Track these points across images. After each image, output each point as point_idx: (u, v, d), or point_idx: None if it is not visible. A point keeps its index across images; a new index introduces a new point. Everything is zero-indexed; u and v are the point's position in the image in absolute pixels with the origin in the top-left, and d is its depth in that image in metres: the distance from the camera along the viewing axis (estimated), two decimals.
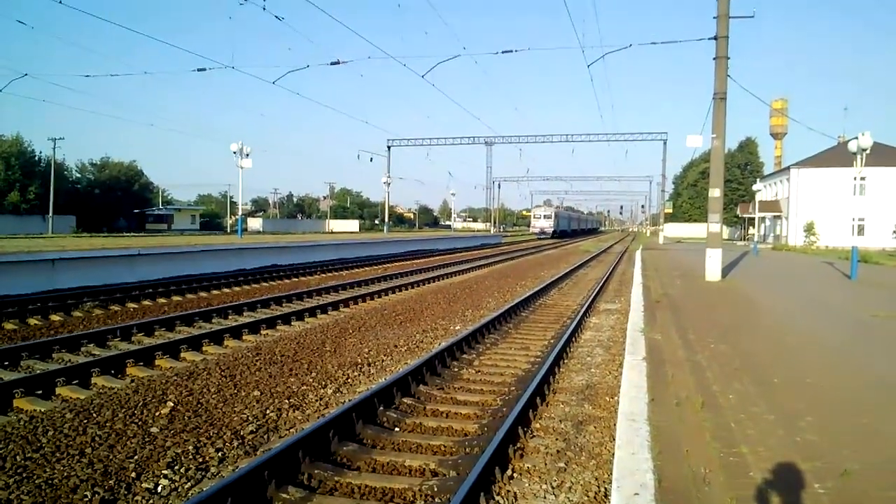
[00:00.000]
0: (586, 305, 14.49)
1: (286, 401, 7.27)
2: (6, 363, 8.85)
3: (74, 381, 7.96)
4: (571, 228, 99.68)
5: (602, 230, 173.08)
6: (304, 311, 13.88)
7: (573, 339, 10.93)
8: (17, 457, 5.41)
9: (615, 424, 5.98)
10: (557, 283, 20.60)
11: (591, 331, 12.09)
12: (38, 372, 8.22)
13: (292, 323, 12.94)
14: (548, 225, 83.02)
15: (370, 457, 5.59)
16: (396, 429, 6.43)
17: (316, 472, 5.21)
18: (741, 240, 70.45)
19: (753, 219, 58.60)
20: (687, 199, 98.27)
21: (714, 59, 18.61)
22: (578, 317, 12.66)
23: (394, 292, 18.44)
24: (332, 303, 15.23)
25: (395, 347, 10.33)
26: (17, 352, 9.16)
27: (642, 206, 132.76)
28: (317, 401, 7.37)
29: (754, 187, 48.52)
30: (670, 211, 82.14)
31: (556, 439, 6.01)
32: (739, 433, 5.08)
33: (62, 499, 4.66)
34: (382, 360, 9.44)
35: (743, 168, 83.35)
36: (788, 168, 61.42)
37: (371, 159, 67.36)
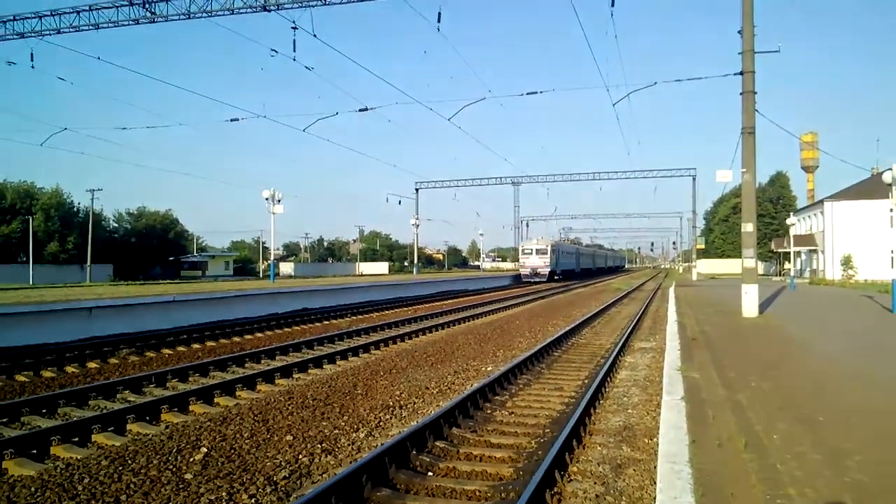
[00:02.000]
0: (620, 344, 14.24)
1: (318, 445, 7.21)
2: (44, 411, 8.98)
3: (110, 428, 8.02)
4: (582, 267, 79.61)
5: (627, 268, 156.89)
6: (336, 354, 13.88)
7: (608, 378, 10.72)
8: None
9: (655, 467, 5.81)
10: (590, 322, 20.33)
11: (626, 370, 11.85)
12: (75, 419, 8.31)
13: (324, 366, 12.94)
14: (542, 263, 60.34)
15: (403, 502, 5.49)
16: (430, 473, 6.32)
17: None
18: (777, 275, 69.06)
19: (788, 253, 57.52)
20: (719, 234, 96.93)
21: (741, 94, 18.55)
22: (613, 356, 12.43)
23: (424, 333, 18.38)
24: (363, 345, 15.22)
25: (426, 389, 10.23)
26: (55, 399, 9.29)
27: (673, 243, 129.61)
28: (349, 445, 7.30)
29: (788, 221, 47.81)
30: (702, 247, 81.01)
31: (595, 483, 5.84)
32: (786, 474, 4.89)
33: None
34: (414, 403, 9.35)
35: (775, 202, 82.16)
36: (822, 201, 60.35)
37: (399, 202, 68.27)
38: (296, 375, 11.91)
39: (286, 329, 19.55)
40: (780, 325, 16.52)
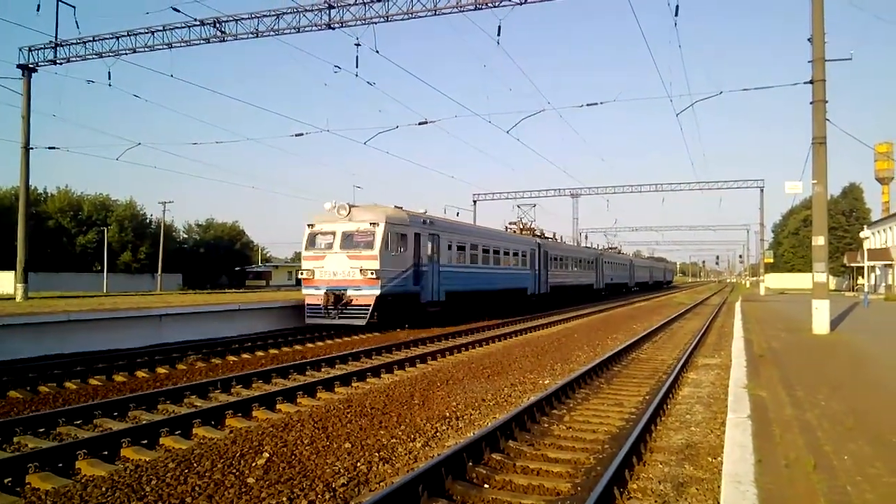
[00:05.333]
0: (683, 360, 13.87)
1: (376, 454, 7.28)
2: (115, 414, 9.37)
3: (177, 432, 8.30)
4: (558, 283, 40.79)
5: (674, 284, 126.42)
6: (394, 363, 14.02)
7: (670, 395, 10.45)
8: None
9: (719, 487, 5.63)
10: (651, 337, 19.89)
11: (689, 387, 11.53)
12: (144, 422, 8.65)
13: (382, 376, 13.07)
14: (358, 276, 20.09)
15: None
16: (486, 485, 6.29)
17: None
18: (849, 290, 65.99)
19: (862, 268, 54.92)
20: (788, 247, 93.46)
21: (811, 103, 17.92)
22: (675, 372, 12.12)
23: (480, 345, 18.35)
24: (420, 356, 15.31)
25: (482, 401, 10.20)
26: (126, 403, 9.68)
27: (740, 256, 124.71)
28: (406, 454, 7.34)
29: (862, 234, 45.71)
30: (771, 260, 78.05)
31: (656, 501, 5.70)
32: (857, 497, 4.67)
33: None
34: (470, 414, 9.33)
35: (848, 215, 78.72)
36: None
37: (458, 214, 68.06)
38: (354, 384, 12.08)
39: (346, 338, 19.84)
40: (852, 342, 15.78)
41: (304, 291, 21.00)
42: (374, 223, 20.32)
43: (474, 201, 71.79)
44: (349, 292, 19.97)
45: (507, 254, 31.36)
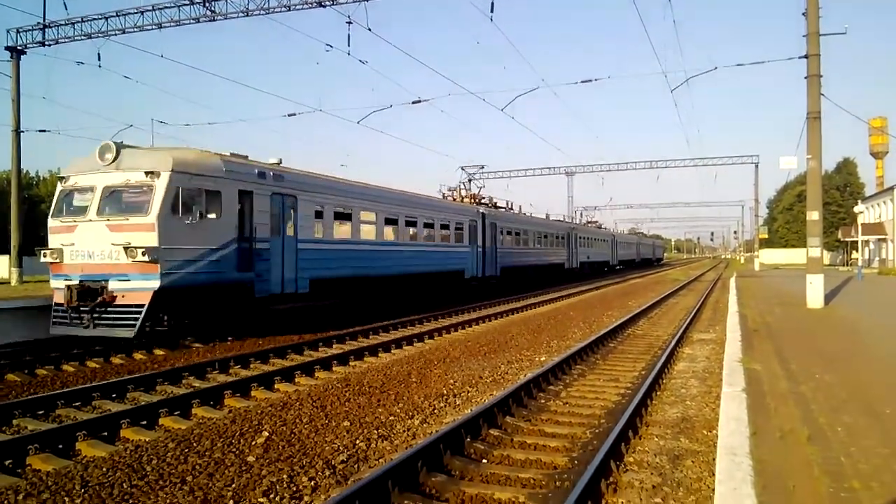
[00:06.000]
0: (678, 335, 13.96)
1: (375, 431, 7.34)
2: (114, 395, 9.41)
3: (176, 412, 8.35)
4: (536, 261, 37.89)
5: (666, 262, 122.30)
6: (391, 342, 14.09)
7: (665, 370, 10.54)
8: (124, 484, 5.68)
9: (714, 459, 5.70)
10: (646, 313, 20.00)
11: (684, 361, 11.62)
12: (143, 403, 8.69)
13: (379, 354, 13.15)
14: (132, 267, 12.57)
15: (458, 488, 5.54)
16: (484, 460, 6.36)
17: (405, 502, 5.21)
18: (843, 265, 66.35)
19: (856, 242, 55.17)
20: (783, 223, 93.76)
21: (806, 77, 17.85)
22: (670, 347, 12.21)
23: (477, 323, 18.43)
24: (417, 334, 15.39)
25: (480, 379, 10.27)
26: (124, 384, 9.71)
27: (734, 232, 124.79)
28: (404, 431, 7.40)
29: (856, 209, 45.90)
30: (765, 236, 78.28)
31: (652, 473, 5.77)
32: (850, 467, 4.73)
33: None
34: (468, 392, 9.40)
35: (842, 190, 78.91)
36: (892, 188, 57.59)
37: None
38: (352, 363, 12.14)
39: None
40: (846, 316, 15.90)
41: (52, 283, 13.55)
42: (152, 173, 12.89)
43: (469, 179, 71.61)
44: (111, 284, 12.70)
45: (429, 226, 23.98)
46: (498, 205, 34.45)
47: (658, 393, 9.04)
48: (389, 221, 21.24)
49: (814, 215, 18.07)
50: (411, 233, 22.88)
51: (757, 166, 63.17)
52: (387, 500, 5.18)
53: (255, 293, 14.84)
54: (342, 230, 18.87)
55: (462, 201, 31.59)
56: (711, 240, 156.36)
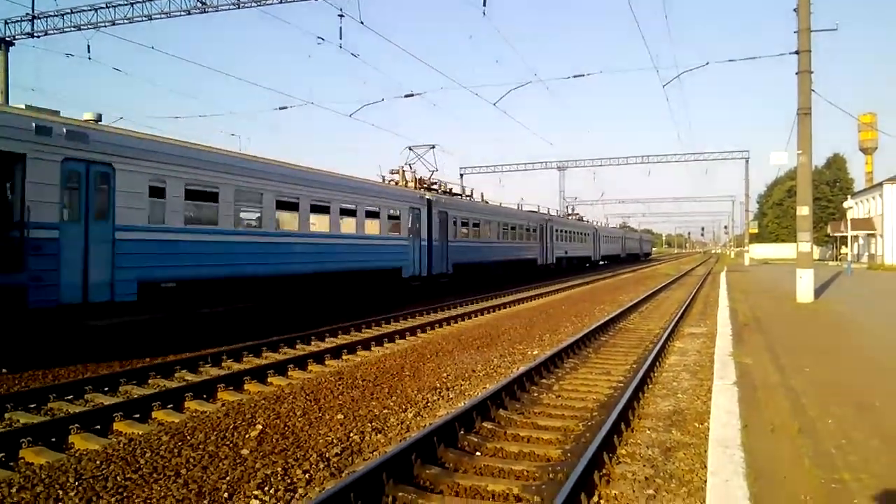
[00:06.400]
0: (669, 329, 14.04)
1: (369, 424, 7.36)
2: (106, 389, 9.37)
3: (169, 406, 8.35)
4: (501, 257, 33.28)
5: (656, 256, 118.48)
6: (383, 336, 14.10)
7: (657, 363, 10.60)
8: (118, 477, 5.68)
9: (706, 451, 5.76)
10: (637, 307, 20.09)
11: (675, 355, 11.70)
12: (136, 397, 8.67)
13: (372, 348, 13.16)
14: None
15: (452, 480, 5.57)
16: (478, 453, 6.39)
17: (400, 494, 5.23)
18: (833, 259, 66.84)
19: (845, 237, 55.57)
20: (773, 218, 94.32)
21: (797, 73, 17.96)
22: (662, 341, 12.27)
23: (470, 318, 18.47)
24: (410, 328, 15.41)
25: (472, 372, 10.30)
26: (116, 378, 9.68)
27: (725, 227, 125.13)
28: (398, 424, 7.43)
29: (845, 205, 46.21)
30: (755, 231, 78.69)
31: (644, 466, 5.81)
32: (840, 459, 4.79)
33: None
34: (461, 385, 9.43)
35: (832, 185, 79.43)
36: (881, 184, 57.93)
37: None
38: (345, 357, 12.15)
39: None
40: (835, 310, 16.04)
41: None
42: None
43: (461, 174, 71.66)
44: None
45: (349, 213, 18.87)
46: (454, 191, 30.17)
47: (650, 386, 9.10)
48: (284, 206, 16.20)
49: (804, 210, 18.21)
50: (316, 220, 17.61)
51: (747, 161, 63.45)
52: (381, 493, 5.20)
53: (29, 303, 10.29)
54: (204, 214, 13.93)
55: (405, 185, 26.41)
56: (702, 235, 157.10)
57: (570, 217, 57.42)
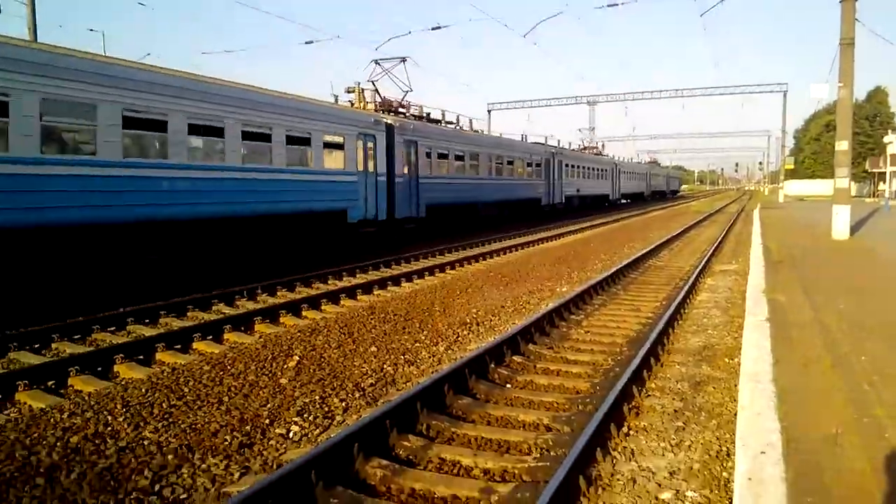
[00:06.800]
0: (700, 266, 13.94)
1: (401, 356, 7.54)
2: (147, 321, 9.69)
3: (209, 337, 8.61)
4: (492, 196, 27.71)
5: (684, 193, 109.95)
6: (413, 273, 14.25)
7: (687, 300, 10.58)
8: (164, 404, 5.94)
9: (736, 385, 5.82)
10: (668, 244, 19.95)
11: (706, 292, 11.65)
12: (177, 328, 8.96)
13: (402, 284, 13.32)
14: None
15: (484, 410, 5.72)
16: (508, 385, 6.52)
17: (433, 422, 5.39)
18: (871, 196, 65.12)
19: (884, 174, 53.91)
20: (809, 154, 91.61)
21: (840, 1, 17.09)
22: (692, 278, 12.21)
23: (498, 255, 18.53)
24: (439, 265, 15.53)
25: (501, 308, 10.41)
26: (156, 310, 9.99)
27: (760, 163, 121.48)
28: (429, 357, 7.59)
29: (885, 139, 44.57)
30: (791, 167, 76.61)
31: (673, 399, 5.89)
32: (873, 395, 4.80)
33: (205, 442, 5.09)
34: (490, 320, 9.55)
35: (872, 120, 76.52)
36: None
37: (471, 122, 66.91)
38: (376, 292, 12.34)
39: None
40: (872, 247, 15.73)
41: None
42: None
43: (489, 111, 70.44)
44: None
45: (261, 138, 14.30)
46: (431, 116, 24.96)
47: (680, 322, 9.12)
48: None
49: (843, 145, 17.65)
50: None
51: (785, 94, 61.22)
52: (416, 421, 5.37)
53: None
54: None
55: (363, 107, 21.61)
56: (736, 171, 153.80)
57: (586, 151, 51.17)
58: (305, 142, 15.75)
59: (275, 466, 4.66)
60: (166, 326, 9.47)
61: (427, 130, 22.43)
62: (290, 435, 5.28)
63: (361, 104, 21.54)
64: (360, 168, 17.89)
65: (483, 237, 22.75)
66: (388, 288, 12.87)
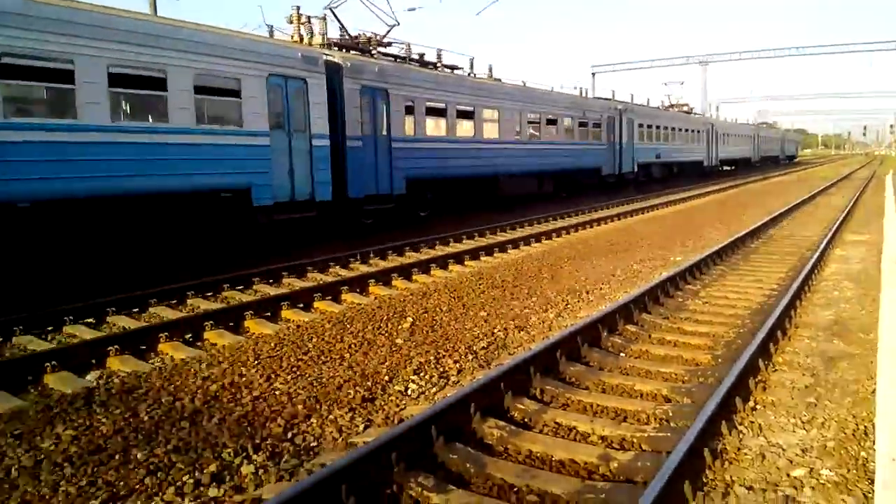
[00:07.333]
0: (829, 236, 13.05)
1: (511, 322, 7.58)
2: (271, 281, 10.25)
3: (328, 297, 9.02)
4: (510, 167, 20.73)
5: (801, 160, 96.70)
6: (519, 239, 14.25)
7: (815, 271, 9.96)
8: (291, 358, 6.29)
9: (872, 362, 5.47)
10: (790, 213, 18.81)
11: (836, 263, 10.91)
12: (298, 288, 9.43)
13: (508, 251, 13.35)
14: None
15: (598, 378, 5.67)
16: (622, 354, 6.41)
17: (547, 387, 5.41)
18: None
19: None
20: None
21: None
22: (821, 248, 11.46)
23: (605, 222, 18.14)
24: (546, 232, 15.43)
25: (612, 276, 10.21)
26: (278, 272, 10.55)
27: (892, 126, 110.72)
28: (540, 323, 7.58)
29: None
30: None
31: (803, 374, 5.60)
32: None
33: (331, 395, 5.36)
34: (600, 288, 9.39)
35: None
36: None
37: (575, 88, 65.18)
38: (483, 258, 12.45)
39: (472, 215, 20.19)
40: None
41: None
42: None
43: (593, 74, 68.21)
44: None
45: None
46: (425, 59, 19.17)
47: (807, 295, 8.61)
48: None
49: None
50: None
51: None
52: (529, 384, 5.40)
53: None
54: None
55: (309, 44, 15.24)
56: (864, 134, 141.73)
57: (673, 108, 42.80)
58: (157, 84, 10.59)
59: (396, 421, 4.85)
60: (289, 287, 9.97)
61: (406, 75, 16.76)
62: (409, 392, 5.47)
63: (301, 38, 15.40)
64: (272, 125, 12.53)
65: (591, 205, 22.25)
66: (495, 254, 12.94)
